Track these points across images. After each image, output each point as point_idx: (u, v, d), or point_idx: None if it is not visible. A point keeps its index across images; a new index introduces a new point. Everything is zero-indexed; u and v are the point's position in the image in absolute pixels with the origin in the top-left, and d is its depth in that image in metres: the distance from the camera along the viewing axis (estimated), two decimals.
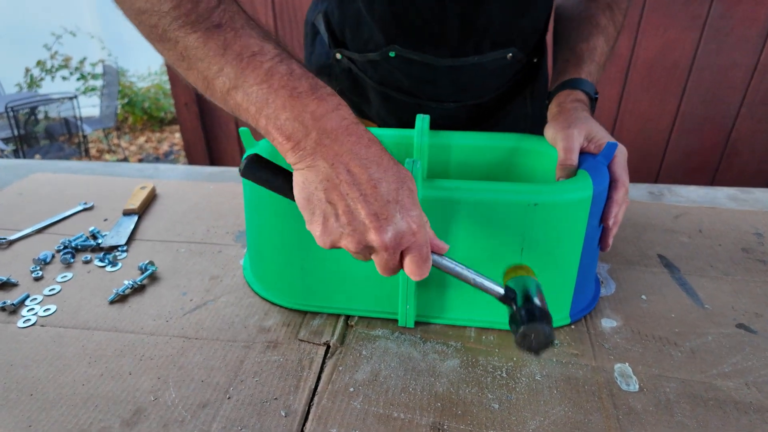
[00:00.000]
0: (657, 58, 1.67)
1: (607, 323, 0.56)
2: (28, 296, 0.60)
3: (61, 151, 3.62)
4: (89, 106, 4.15)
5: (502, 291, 0.44)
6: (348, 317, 0.57)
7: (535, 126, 0.79)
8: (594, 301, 0.59)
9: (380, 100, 0.74)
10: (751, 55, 1.62)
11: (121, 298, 0.60)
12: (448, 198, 0.50)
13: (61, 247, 0.70)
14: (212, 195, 0.86)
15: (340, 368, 0.50)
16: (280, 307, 0.59)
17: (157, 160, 4.15)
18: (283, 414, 0.45)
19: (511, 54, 0.68)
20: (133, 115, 4.74)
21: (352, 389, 0.48)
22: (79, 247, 0.70)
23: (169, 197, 0.85)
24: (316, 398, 0.47)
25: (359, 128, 0.38)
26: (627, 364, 0.50)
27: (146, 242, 0.72)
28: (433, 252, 0.42)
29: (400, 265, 0.40)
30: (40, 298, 0.60)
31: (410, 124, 0.72)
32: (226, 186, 0.89)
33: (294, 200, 0.40)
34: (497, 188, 0.50)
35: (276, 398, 0.47)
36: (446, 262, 0.43)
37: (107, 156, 4.13)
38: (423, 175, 0.59)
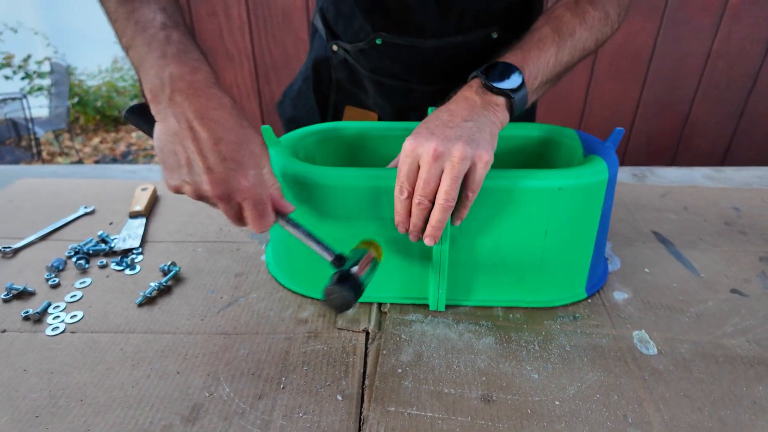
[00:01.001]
0: (621, 48, 1.76)
1: (619, 296, 0.61)
2: (50, 304, 0.59)
3: (11, 155, 3.42)
4: (36, 107, 3.93)
5: (331, 257, 0.49)
6: (381, 305, 0.59)
7: (530, 113, 0.83)
8: (604, 277, 0.64)
9: (374, 88, 0.76)
10: (705, 43, 1.74)
11: (148, 300, 0.60)
12: None
13: (72, 253, 0.68)
14: None
15: (384, 352, 0.52)
16: (313, 299, 0.60)
17: (114, 161, 3.98)
18: (340, 398, 0.47)
19: (495, 33, 0.70)
20: (85, 115, 4.52)
21: (400, 370, 0.50)
22: (91, 252, 0.68)
23: (171, 198, 0.84)
24: (367, 381, 0.49)
25: (211, 91, 0.43)
26: (643, 330, 0.55)
27: (160, 244, 0.71)
28: (279, 213, 0.48)
29: (242, 217, 0.47)
30: (62, 305, 0.59)
31: (405, 110, 0.76)
32: None
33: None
34: (524, 175, 0.53)
35: (329, 384, 0.49)
36: (287, 224, 0.49)
37: (59, 159, 3.93)
38: None
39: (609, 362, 0.51)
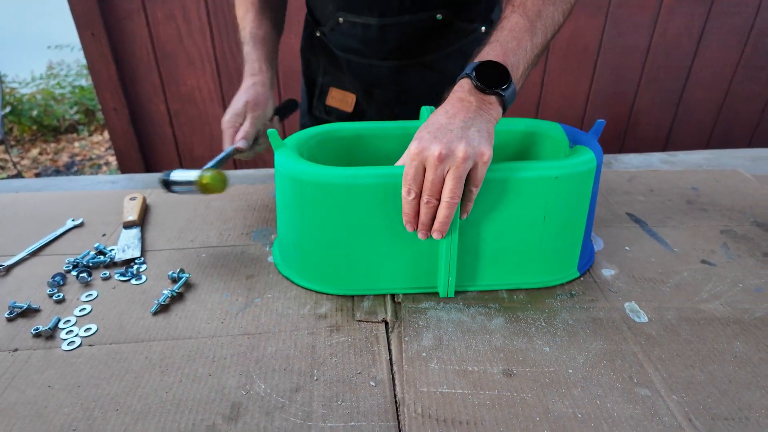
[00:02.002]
0: (571, 44, 1.86)
1: (607, 272, 0.67)
2: (59, 319, 0.58)
3: None
4: None
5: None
6: (394, 296, 0.62)
7: None
8: (592, 256, 0.69)
9: (346, 66, 0.85)
10: (645, 38, 1.87)
11: (162, 309, 0.60)
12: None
13: (70, 267, 0.67)
14: (208, 199, 0.85)
15: (406, 339, 0.55)
16: (328, 294, 0.62)
17: (57, 173, 3.77)
18: (373, 384, 0.50)
19: (440, 16, 0.76)
20: (20, 125, 4.24)
21: (424, 354, 0.53)
22: (91, 264, 0.67)
23: (161, 206, 0.83)
24: (395, 366, 0.52)
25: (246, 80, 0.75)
26: (633, 302, 0.61)
27: (161, 252, 0.71)
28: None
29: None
30: (73, 319, 0.58)
31: (370, 87, 0.84)
32: None
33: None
34: (523, 166, 0.58)
35: (360, 372, 0.51)
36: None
37: None
38: None
39: (608, 332, 0.57)
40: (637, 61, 1.92)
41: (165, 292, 0.61)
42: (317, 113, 0.93)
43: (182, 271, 0.65)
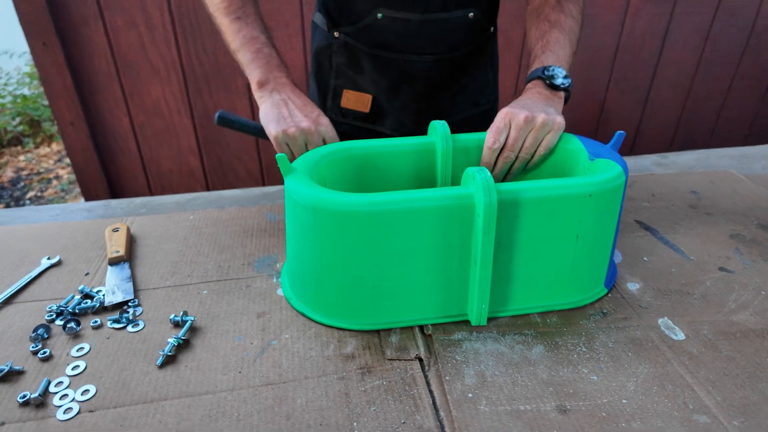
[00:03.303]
0: (520, 43, 1.88)
1: (632, 286, 0.66)
2: (49, 382, 0.51)
3: None
4: None
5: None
6: (422, 328, 0.58)
7: (495, 93, 0.96)
8: (615, 270, 0.68)
9: (372, 64, 0.85)
10: (613, 38, 1.91)
11: (169, 359, 0.54)
12: (514, 200, 0.53)
13: (53, 316, 0.59)
14: (199, 227, 0.78)
15: (447, 378, 0.52)
16: (351, 331, 0.58)
17: (2, 189, 3.49)
18: None
19: (472, 14, 0.81)
20: None
21: (470, 395, 0.50)
22: (78, 311, 0.60)
23: (148, 237, 0.76)
24: (441, 412, 0.48)
25: (292, 86, 0.71)
26: (666, 317, 0.60)
27: (156, 291, 0.64)
28: None
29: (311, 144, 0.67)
30: (66, 380, 0.51)
31: (399, 83, 0.85)
32: (207, 214, 0.82)
33: (252, 129, 0.71)
34: (555, 185, 0.55)
35: (404, 422, 0.47)
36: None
37: None
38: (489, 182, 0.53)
39: (650, 353, 0.55)
40: (607, 60, 1.96)
41: (170, 340, 0.54)
42: (332, 116, 0.90)
43: (186, 313, 0.59)
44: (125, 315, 0.59)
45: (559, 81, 0.67)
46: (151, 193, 1.80)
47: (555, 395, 0.49)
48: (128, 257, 0.69)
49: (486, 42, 0.88)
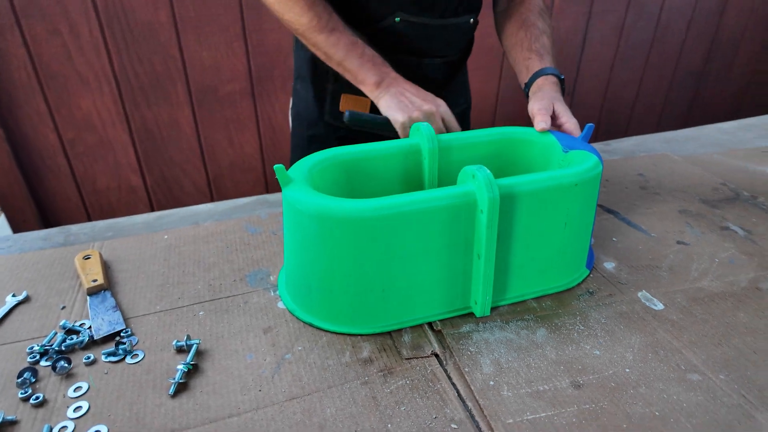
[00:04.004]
0: (479, 44, 1.95)
1: (609, 265, 0.71)
2: (51, 429, 0.46)
3: None
4: None
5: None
6: (431, 324, 0.60)
7: (469, 92, 1.04)
8: (592, 252, 0.73)
9: None
10: None
11: (181, 387, 0.51)
12: (511, 194, 0.56)
13: (37, 357, 0.54)
14: (177, 246, 0.75)
15: (466, 370, 0.54)
16: (363, 335, 0.58)
17: None
18: (455, 426, 0.47)
19: (472, 19, 0.87)
20: None
21: (491, 383, 0.52)
22: (65, 348, 0.55)
23: (123, 261, 0.71)
24: (468, 402, 0.50)
25: (403, 78, 0.75)
26: (644, 291, 0.66)
27: (148, 317, 0.61)
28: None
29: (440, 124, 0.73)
30: (70, 425, 0.47)
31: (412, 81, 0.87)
32: (183, 232, 0.78)
33: (381, 122, 0.74)
34: (546, 177, 0.58)
35: (435, 417, 0.48)
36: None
37: None
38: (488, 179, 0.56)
39: (638, 324, 0.60)
40: None
41: (179, 366, 0.52)
42: (331, 120, 0.90)
43: (189, 337, 0.56)
44: (122, 346, 0.55)
45: (563, 81, 0.80)
46: (88, 215, 1.67)
47: (567, 373, 0.53)
48: (108, 285, 0.65)
49: (469, 46, 0.94)
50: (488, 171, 0.55)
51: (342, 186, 0.66)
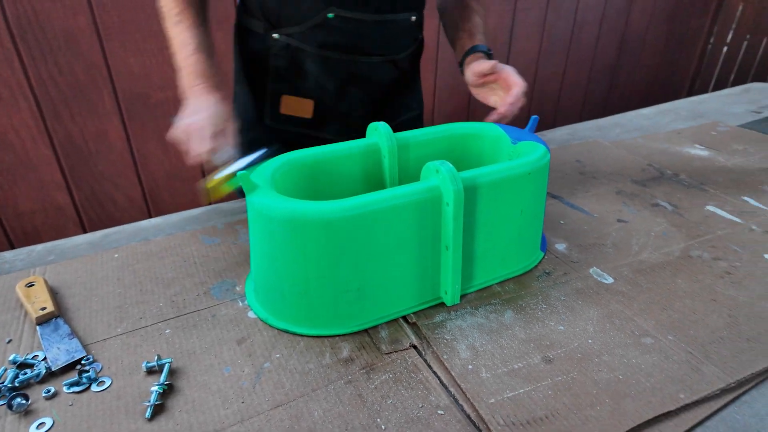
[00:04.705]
0: None
1: (560, 246, 0.76)
2: None
3: None
4: None
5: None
6: (405, 318, 0.61)
7: (421, 97, 1.03)
8: (544, 236, 0.78)
9: (318, 66, 0.84)
10: None
11: (157, 409, 0.49)
12: (473, 185, 0.59)
13: None
14: (130, 264, 0.71)
15: (445, 357, 0.55)
16: (341, 336, 0.58)
17: None
18: (441, 412, 0.49)
19: (414, 17, 0.86)
20: None
21: (470, 366, 0.54)
22: (18, 384, 0.51)
23: (72, 285, 0.67)
24: (451, 389, 0.52)
25: (206, 92, 0.68)
26: (594, 267, 0.71)
27: (108, 342, 0.57)
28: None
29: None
30: None
31: (347, 84, 0.85)
32: (133, 249, 0.74)
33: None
34: (503, 168, 0.62)
35: (422, 405, 0.50)
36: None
37: None
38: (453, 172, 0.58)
39: (593, 298, 0.65)
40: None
41: (154, 388, 0.50)
42: (271, 123, 0.88)
43: (159, 357, 0.54)
44: (85, 374, 0.52)
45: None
46: (10, 243, 1.53)
47: (537, 349, 0.56)
48: (59, 312, 0.60)
49: (418, 47, 0.94)
50: (451, 165, 0.57)
51: (305, 188, 0.66)
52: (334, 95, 0.87)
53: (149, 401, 0.49)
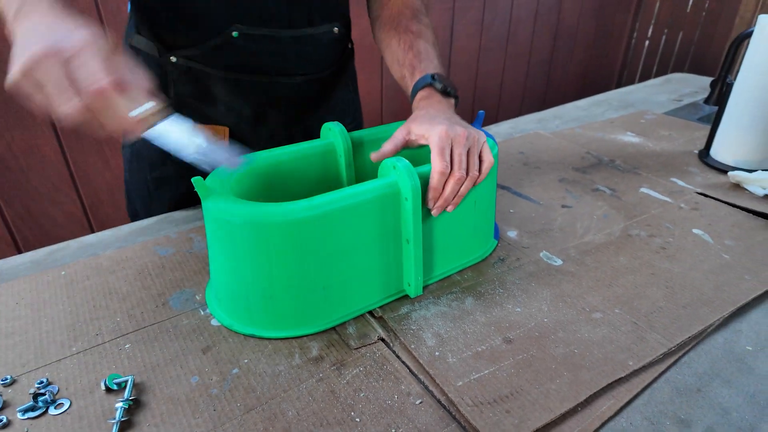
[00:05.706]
0: (359, 46, 2.01)
1: (511, 233, 0.80)
2: None
3: None
4: None
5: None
6: (371, 313, 0.62)
7: (358, 111, 0.97)
8: (497, 225, 0.81)
9: (229, 90, 0.75)
10: None
11: (125, 426, 0.47)
12: (427, 180, 0.61)
13: None
14: (79, 280, 0.68)
15: (412, 347, 0.57)
16: (308, 336, 0.59)
17: None
18: (418, 401, 0.50)
19: (336, 29, 0.79)
20: None
21: (437, 353, 0.56)
22: None
23: (15, 308, 0.63)
24: (420, 376, 0.53)
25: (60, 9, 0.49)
26: (544, 251, 0.75)
27: (63, 362, 0.55)
28: None
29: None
30: None
31: (265, 108, 0.77)
32: (82, 264, 0.71)
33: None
34: None
35: (395, 396, 0.51)
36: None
37: None
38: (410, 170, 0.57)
39: (545, 279, 0.69)
40: None
41: (118, 404, 0.48)
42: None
43: (117, 374, 0.52)
44: (41, 398, 0.49)
45: (449, 89, 0.69)
46: None
47: (497, 332, 0.59)
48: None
49: (347, 59, 0.88)
50: (407, 161, 0.59)
51: (261, 191, 0.66)
52: (252, 119, 0.78)
53: (114, 418, 0.47)
